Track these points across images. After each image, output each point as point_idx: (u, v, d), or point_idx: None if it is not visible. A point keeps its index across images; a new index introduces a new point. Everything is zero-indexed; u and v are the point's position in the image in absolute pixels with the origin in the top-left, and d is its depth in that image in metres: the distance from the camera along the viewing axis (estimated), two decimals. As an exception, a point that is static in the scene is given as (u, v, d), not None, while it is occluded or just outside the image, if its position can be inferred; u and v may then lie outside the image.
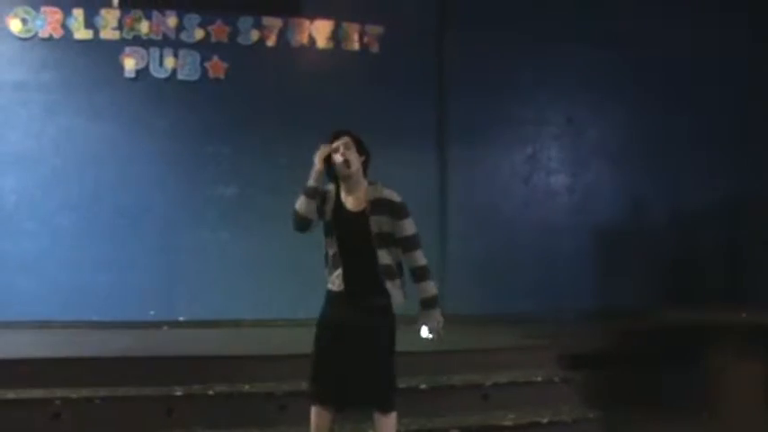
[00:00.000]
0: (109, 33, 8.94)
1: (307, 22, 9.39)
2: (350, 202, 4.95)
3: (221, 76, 9.12)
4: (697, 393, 7.05)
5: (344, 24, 9.48)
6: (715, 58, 10.29)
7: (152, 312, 8.69)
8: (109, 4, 8.90)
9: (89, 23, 8.90)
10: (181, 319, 8.68)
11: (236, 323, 8.63)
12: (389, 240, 4.86)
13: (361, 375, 4.76)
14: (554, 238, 9.81)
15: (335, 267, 4.96)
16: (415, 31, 9.65)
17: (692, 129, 10.30)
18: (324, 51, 9.45)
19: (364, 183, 5.01)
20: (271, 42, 9.30)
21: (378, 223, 4.83)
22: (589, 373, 6.93)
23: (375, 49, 9.55)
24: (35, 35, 8.81)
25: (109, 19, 8.93)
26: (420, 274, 4.88)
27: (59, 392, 5.85)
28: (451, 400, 6.41)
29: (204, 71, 9.10)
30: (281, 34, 9.33)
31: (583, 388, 6.80)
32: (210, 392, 6.00)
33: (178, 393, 5.98)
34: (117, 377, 6.16)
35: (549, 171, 10.13)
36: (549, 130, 10.15)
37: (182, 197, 8.87)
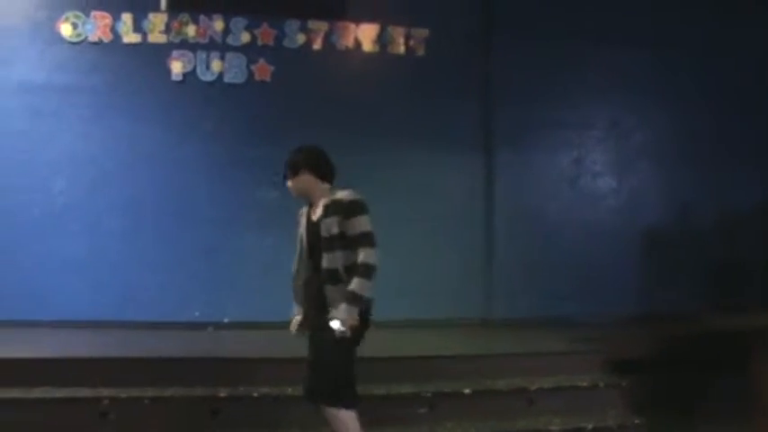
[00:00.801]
0: (156, 37, 9.04)
1: (352, 26, 9.42)
2: (313, 214, 5.20)
3: (267, 79, 9.18)
4: (742, 399, 6.97)
5: (390, 28, 9.49)
6: (758, 58, 10.23)
7: (197, 314, 8.77)
8: (157, 8, 8.99)
9: (137, 27, 9.00)
10: (226, 320, 8.74)
11: (280, 325, 8.63)
12: (339, 242, 4.95)
13: (311, 373, 5.05)
14: (599, 241, 9.74)
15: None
16: (460, 35, 9.64)
17: (736, 130, 10.22)
18: (369, 55, 9.47)
19: (324, 192, 5.18)
20: (316, 46, 9.35)
21: (327, 226, 4.97)
22: (634, 379, 6.87)
23: (420, 52, 9.54)
24: (85, 39, 8.93)
25: (156, 23, 9.03)
26: (357, 270, 4.86)
27: (107, 392, 5.92)
28: (496, 404, 6.40)
29: (250, 74, 9.17)
30: (327, 37, 9.38)
31: (628, 393, 6.76)
32: (255, 394, 6.04)
33: (223, 395, 6.02)
34: (163, 377, 6.22)
35: (595, 174, 10.08)
36: (594, 134, 10.09)
37: (227, 199, 8.94)
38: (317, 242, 5.06)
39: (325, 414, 4.99)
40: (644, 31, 9.89)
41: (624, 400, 6.71)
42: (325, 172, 5.25)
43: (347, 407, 4.98)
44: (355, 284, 4.82)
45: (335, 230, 4.92)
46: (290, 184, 5.27)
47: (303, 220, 5.31)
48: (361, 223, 4.95)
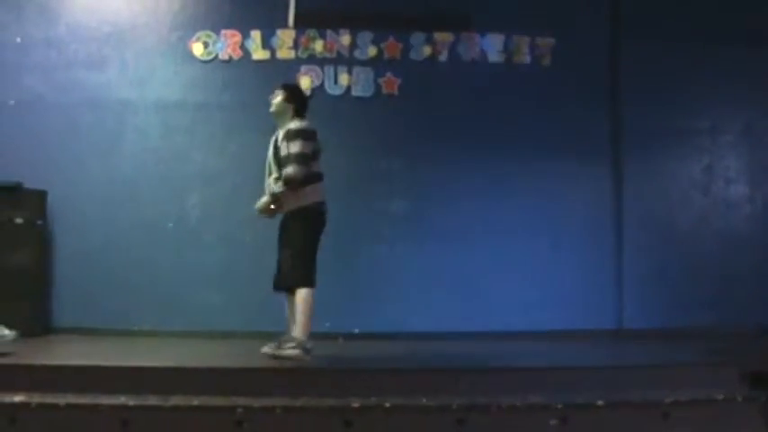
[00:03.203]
0: (285, 53, 9.22)
1: (478, 37, 9.42)
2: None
3: (394, 91, 9.25)
4: None
5: (515, 37, 9.45)
6: None
7: (327, 324, 8.85)
8: (285, 25, 9.15)
9: (266, 44, 9.19)
10: (356, 331, 8.79)
11: (410, 336, 8.68)
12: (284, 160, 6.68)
13: None
14: (734, 249, 9.51)
15: None
16: (587, 42, 9.55)
17: None
18: (495, 65, 9.44)
19: (288, 120, 6.85)
20: (442, 57, 9.37)
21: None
22: (775, 393, 6.64)
23: (546, 61, 9.48)
24: (216, 57, 9.16)
25: (285, 39, 9.20)
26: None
27: (241, 401, 6.01)
28: (629, 417, 6.24)
29: (378, 87, 9.26)
30: (453, 49, 9.39)
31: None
32: (387, 405, 6.04)
33: (355, 405, 6.05)
34: (295, 387, 6.28)
35: (728, 181, 9.81)
36: (726, 139, 9.84)
37: (357, 211, 9.00)
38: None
39: None
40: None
41: (764, 415, 6.48)
42: (294, 111, 6.90)
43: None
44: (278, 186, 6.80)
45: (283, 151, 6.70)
46: (275, 99, 6.95)
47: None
48: (295, 146, 6.68)
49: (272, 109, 6.97)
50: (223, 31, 9.17)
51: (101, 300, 8.77)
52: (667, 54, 9.53)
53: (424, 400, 6.06)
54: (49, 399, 5.85)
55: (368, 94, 9.23)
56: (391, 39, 9.30)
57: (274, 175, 6.82)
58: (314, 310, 6.81)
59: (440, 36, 9.36)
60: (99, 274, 8.84)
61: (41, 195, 8.68)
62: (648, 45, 9.50)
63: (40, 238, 8.68)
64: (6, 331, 7.03)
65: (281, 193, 6.77)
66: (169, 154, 9.09)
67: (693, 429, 6.19)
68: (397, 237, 9.01)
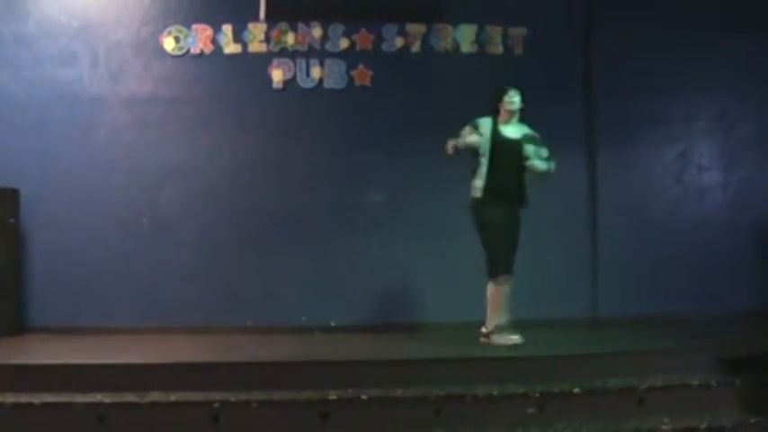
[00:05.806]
0: (257, 47, 9.17)
1: (450, 28, 9.41)
2: (508, 131, 7.67)
3: (367, 83, 9.21)
4: None
5: (488, 28, 9.44)
6: None
7: (304, 318, 8.86)
8: (256, 19, 9.12)
9: (238, 38, 9.15)
10: (332, 324, 8.80)
11: (387, 328, 8.69)
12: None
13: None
14: (709, 236, 9.53)
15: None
16: (559, 32, 9.54)
17: None
18: (468, 56, 9.44)
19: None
20: (415, 48, 9.35)
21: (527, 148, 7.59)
22: (749, 377, 6.69)
23: (519, 51, 9.47)
24: (187, 52, 9.11)
25: (256, 33, 9.16)
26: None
27: (218, 396, 6.01)
28: (606, 404, 6.29)
29: (350, 80, 9.22)
30: (425, 40, 9.38)
31: (742, 392, 6.58)
32: (364, 397, 6.05)
33: (332, 397, 6.06)
34: (272, 381, 6.29)
35: (702, 168, 9.85)
36: (699, 126, 9.86)
37: (332, 205, 9.01)
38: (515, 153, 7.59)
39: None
40: (751, 18, 9.64)
41: (738, 399, 6.53)
42: None
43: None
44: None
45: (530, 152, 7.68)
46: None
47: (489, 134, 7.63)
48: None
49: (519, 107, 7.75)
50: (194, 26, 9.12)
51: (76, 297, 8.72)
52: (640, 42, 9.55)
53: (401, 392, 6.08)
54: (25, 398, 5.83)
55: (340, 86, 9.20)
56: (363, 31, 9.27)
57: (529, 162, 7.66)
58: None
59: (412, 27, 9.34)
60: (74, 271, 8.79)
61: (14, 193, 8.62)
62: (622, 32, 9.49)
63: (12, 237, 8.62)
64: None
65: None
66: (142, 149, 9.02)
67: (668, 414, 6.24)
68: (373, 229, 9.01)
